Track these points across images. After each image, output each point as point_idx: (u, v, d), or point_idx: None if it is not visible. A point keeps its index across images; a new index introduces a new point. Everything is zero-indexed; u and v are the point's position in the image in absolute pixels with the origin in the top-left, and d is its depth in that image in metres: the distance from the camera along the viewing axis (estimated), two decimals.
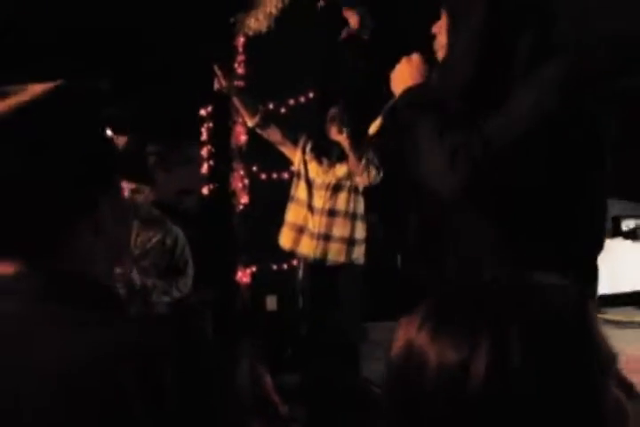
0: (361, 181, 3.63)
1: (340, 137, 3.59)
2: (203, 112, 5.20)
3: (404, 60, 1.46)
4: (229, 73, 3.55)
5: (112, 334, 0.68)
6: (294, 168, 3.81)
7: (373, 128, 1.53)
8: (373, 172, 3.59)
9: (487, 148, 1.22)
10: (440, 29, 1.43)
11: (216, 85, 3.49)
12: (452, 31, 1.36)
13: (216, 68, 3.41)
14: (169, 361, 0.66)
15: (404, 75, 1.43)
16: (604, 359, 0.63)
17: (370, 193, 3.78)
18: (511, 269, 1.24)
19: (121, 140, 0.89)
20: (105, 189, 0.78)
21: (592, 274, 1.34)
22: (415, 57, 1.45)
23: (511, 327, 0.62)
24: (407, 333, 0.68)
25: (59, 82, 0.78)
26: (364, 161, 3.55)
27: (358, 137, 3.61)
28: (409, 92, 1.40)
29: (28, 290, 0.71)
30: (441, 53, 1.40)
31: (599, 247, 1.36)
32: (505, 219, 1.30)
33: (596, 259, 1.35)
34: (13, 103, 0.73)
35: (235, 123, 4.48)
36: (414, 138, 1.32)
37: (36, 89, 0.76)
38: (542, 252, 1.26)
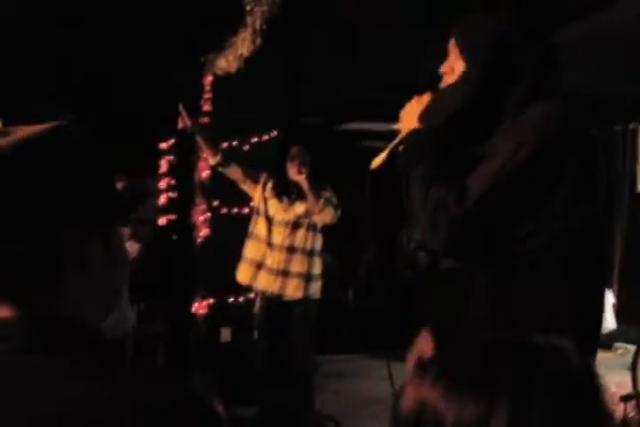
0: (319, 219, 3.78)
1: (299, 177, 3.73)
2: (164, 145, 5.32)
3: (414, 99, 1.47)
4: (194, 113, 3.68)
5: (100, 388, 0.66)
6: (254, 205, 3.94)
7: (376, 162, 1.53)
8: (331, 211, 3.75)
9: (463, 203, 1.25)
10: (448, 69, 1.46)
11: (180, 124, 3.63)
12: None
13: (180, 107, 3.54)
14: (165, 421, 0.65)
15: (413, 114, 1.45)
16: (606, 417, 0.68)
17: (326, 231, 3.95)
18: (505, 321, 1.29)
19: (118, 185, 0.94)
20: (98, 233, 0.76)
21: (594, 329, 1.40)
22: (426, 97, 1.46)
23: (531, 387, 0.65)
24: (419, 392, 0.69)
25: (57, 123, 0.77)
26: (321, 200, 3.72)
27: (316, 177, 3.78)
28: (412, 135, 1.42)
29: (16, 338, 0.69)
30: None
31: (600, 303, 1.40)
32: (498, 270, 1.33)
33: (596, 314, 1.39)
34: (12, 141, 0.72)
35: (199, 158, 4.61)
36: (407, 190, 1.36)
37: (35, 129, 0.75)
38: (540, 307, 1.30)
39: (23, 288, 0.72)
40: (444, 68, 1.49)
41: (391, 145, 1.53)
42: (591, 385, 0.68)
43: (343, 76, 5.45)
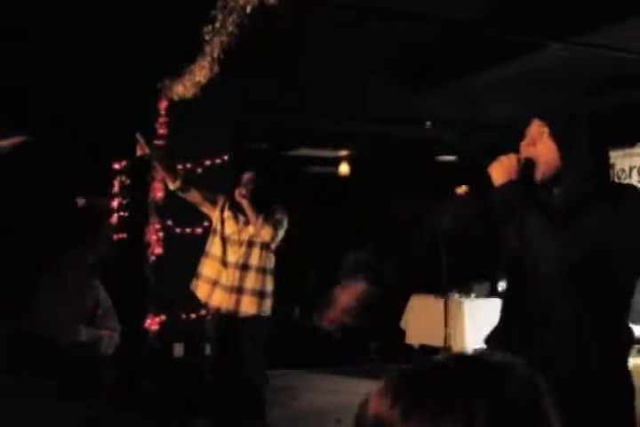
0: (259, 238, 3.92)
1: (239, 198, 3.89)
2: (117, 166, 5.44)
3: (503, 157, 1.87)
4: (149, 136, 3.82)
5: (71, 406, 0.66)
6: (213, 225, 4.08)
7: (462, 189, 1.94)
8: (269, 230, 3.91)
9: (585, 244, 1.67)
10: (530, 142, 1.89)
11: (139, 151, 3.75)
12: (562, 155, 1.84)
13: (138, 135, 3.67)
14: None
15: (504, 168, 1.85)
16: None
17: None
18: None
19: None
20: (70, 249, 0.76)
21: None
22: (514, 157, 1.86)
23: (478, 412, 0.66)
24: (378, 408, 0.71)
25: (24, 137, 0.77)
26: (260, 220, 3.89)
27: (265, 200, 3.97)
28: (517, 184, 1.83)
29: None
30: (542, 162, 1.87)
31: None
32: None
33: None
34: None
35: (153, 179, 4.75)
36: (526, 227, 1.75)
37: (1, 144, 0.75)
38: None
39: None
40: (525, 143, 1.92)
41: (469, 186, 1.97)
42: (537, 404, 0.69)
43: (290, 105, 5.72)
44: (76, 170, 0.83)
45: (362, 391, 0.76)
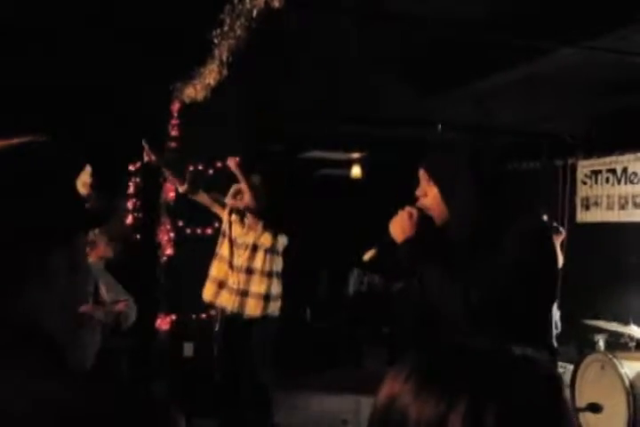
0: (260, 242, 3.94)
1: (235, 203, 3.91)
2: (131, 168, 5.50)
3: (401, 212, 1.88)
4: (162, 137, 3.90)
5: (54, 392, 0.66)
6: (222, 227, 4.12)
7: (368, 256, 1.94)
8: (269, 237, 3.94)
9: (487, 286, 1.68)
10: (422, 193, 1.88)
11: (145, 158, 3.85)
12: (445, 198, 1.82)
13: (144, 143, 3.74)
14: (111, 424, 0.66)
15: (402, 224, 1.86)
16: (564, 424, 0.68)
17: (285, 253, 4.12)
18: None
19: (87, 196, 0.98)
20: (58, 244, 0.76)
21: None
22: (414, 212, 1.87)
23: (489, 394, 0.66)
24: (393, 385, 0.71)
25: (26, 138, 0.78)
26: (260, 225, 3.94)
27: (275, 205, 4.00)
28: (411, 242, 1.84)
29: None
30: (435, 212, 1.86)
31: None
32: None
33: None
34: None
35: (165, 180, 4.81)
36: (426, 279, 1.77)
37: (8, 142, 0.77)
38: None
39: None
40: (418, 193, 1.90)
41: (380, 243, 1.95)
42: (551, 395, 0.69)
43: (305, 106, 5.74)
44: (79, 167, 0.84)
45: (372, 393, 0.75)
